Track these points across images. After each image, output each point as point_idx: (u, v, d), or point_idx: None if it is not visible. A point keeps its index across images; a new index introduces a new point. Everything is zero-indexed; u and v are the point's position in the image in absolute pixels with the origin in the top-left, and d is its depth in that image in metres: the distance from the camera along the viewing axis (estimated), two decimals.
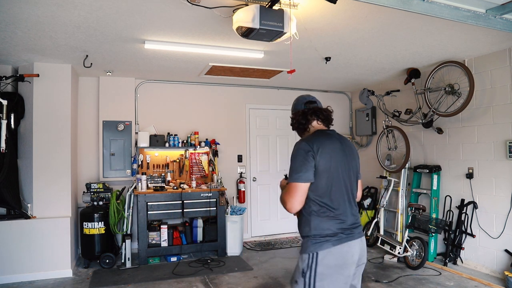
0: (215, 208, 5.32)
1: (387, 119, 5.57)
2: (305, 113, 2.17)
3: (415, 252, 4.78)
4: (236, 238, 5.38)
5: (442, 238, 4.93)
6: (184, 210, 5.17)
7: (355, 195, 2.14)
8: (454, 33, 3.73)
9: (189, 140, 5.76)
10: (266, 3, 2.77)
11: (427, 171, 5.09)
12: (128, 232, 5.07)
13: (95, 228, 4.77)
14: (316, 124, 2.18)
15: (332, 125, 2.24)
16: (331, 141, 2.08)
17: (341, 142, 2.13)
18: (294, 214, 2.09)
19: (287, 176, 2.04)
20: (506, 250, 4.26)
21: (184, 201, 5.17)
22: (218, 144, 6.00)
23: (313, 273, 1.92)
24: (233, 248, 5.37)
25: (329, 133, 2.15)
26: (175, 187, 5.22)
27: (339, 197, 2.02)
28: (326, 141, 2.06)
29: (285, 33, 2.86)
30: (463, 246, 4.72)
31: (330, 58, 4.58)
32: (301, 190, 1.95)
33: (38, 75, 4.50)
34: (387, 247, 5.11)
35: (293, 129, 2.28)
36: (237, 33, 2.93)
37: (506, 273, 4.04)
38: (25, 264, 4.35)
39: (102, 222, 4.81)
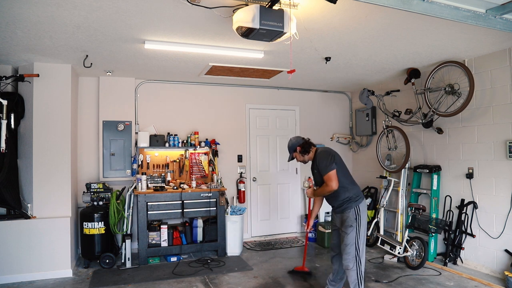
0: (215, 208, 5.31)
1: (387, 119, 5.58)
2: (307, 142, 3.63)
3: (415, 252, 4.78)
4: (236, 238, 5.38)
5: (442, 238, 4.93)
6: (184, 210, 5.17)
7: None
8: (454, 33, 3.74)
9: (189, 140, 5.76)
10: (266, 3, 2.77)
11: (427, 171, 5.09)
12: (128, 232, 5.07)
13: (95, 228, 4.77)
14: (313, 147, 3.62)
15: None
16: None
17: None
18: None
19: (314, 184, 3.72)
20: (506, 250, 4.26)
21: (184, 201, 5.17)
22: (218, 144, 6.00)
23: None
24: (233, 248, 5.37)
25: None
26: (175, 187, 5.22)
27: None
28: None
29: (285, 33, 2.86)
30: (463, 246, 4.72)
31: (330, 58, 4.58)
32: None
33: (38, 75, 4.50)
34: (387, 247, 5.11)
35: (303, 153, 3.60)
36: (237, 33, 2.93)
37: (506, 273, 4.04)
38: (25, 264, 4.35)
39: (102, 222, 4.81)
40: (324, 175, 3.35)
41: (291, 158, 3.74)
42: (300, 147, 3.61)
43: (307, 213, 3.85)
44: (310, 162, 3.68)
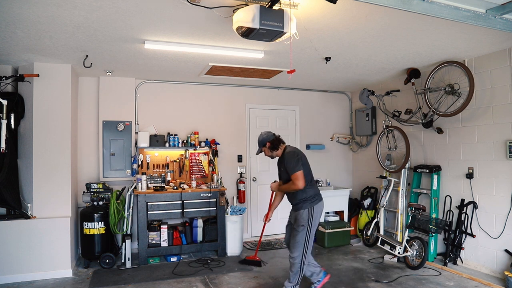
0: (215, 208, 5.32)
1: (387, 119, 5.58)
2: (277, 139, 3.75)
3: (415, 252, 4.78)
4: (236, 238, 5.38)
5: (442, 238, 4.93)
6: (184, 210, 5.17)
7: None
8: (454, 33, 3.74)
9: (189, 140, 5.76)
10: (266, 3, 2.77)
11: (427, 171, 5.09)
12: (128, 232, 5.07)
13: (95, 228, 4.77)
14: (282, 144, 3.77)
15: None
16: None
17: None
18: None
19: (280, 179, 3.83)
20: (506, 250, 4.26)
21: (184, 201, 5.17)
22: (218, 144, 6.00)
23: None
24: (233, 248, 5.37)
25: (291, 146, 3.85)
26: (175, 187, 5.22)
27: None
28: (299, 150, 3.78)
29: (285, 33, 2.86)
30: (463, 246, 4.73)
31: (330, 58, 4.58)
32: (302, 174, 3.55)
33: (38, 75, 4.50)
34: (387, 247, 5.11)
35: (272, 149, 3.73)
36: (237, 33, 2.93)
37: (506, 273, 4.04)
38: (25, 264, 4.35)
39: (102, 222, 4.81)
40: (291, 175, 3.54)
41: (260, 152, 3.87)
42: (270, 143, 3.74)
43: (269, 206, 4.18)
44: (276, 159, 3.86)
